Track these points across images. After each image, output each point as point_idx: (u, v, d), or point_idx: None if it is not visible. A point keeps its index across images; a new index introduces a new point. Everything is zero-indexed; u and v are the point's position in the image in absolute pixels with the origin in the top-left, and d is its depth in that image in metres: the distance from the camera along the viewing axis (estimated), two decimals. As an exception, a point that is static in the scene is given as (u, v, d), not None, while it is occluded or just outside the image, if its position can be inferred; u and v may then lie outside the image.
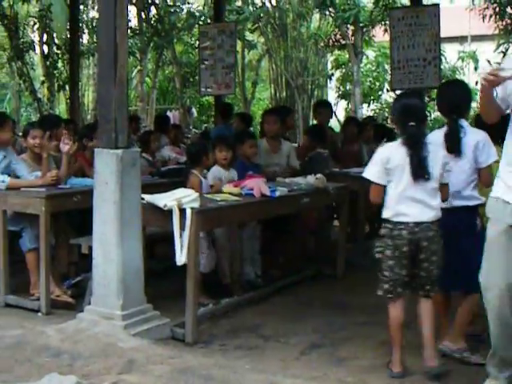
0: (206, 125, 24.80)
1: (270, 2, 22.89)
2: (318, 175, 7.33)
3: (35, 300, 6.56)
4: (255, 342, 5.77)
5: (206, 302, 6.39)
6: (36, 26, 20.47)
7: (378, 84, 24.94)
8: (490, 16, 19.96)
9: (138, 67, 22.95)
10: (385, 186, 4.92)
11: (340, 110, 25.26)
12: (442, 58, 18.48)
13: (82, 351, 5.07)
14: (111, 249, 5.50)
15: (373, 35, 22.06)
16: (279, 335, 5.90)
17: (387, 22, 15.93)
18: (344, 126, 11.08)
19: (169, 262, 7.10)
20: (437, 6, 11.23)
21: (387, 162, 4.88)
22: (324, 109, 10.18)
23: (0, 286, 6.71)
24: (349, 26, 20.67)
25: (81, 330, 5.49)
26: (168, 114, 25.49)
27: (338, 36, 21.66)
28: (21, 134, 9.03)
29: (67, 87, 18.25)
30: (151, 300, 5.83)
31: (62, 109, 24.73)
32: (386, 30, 18.95)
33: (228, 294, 6.77)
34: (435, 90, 9.08)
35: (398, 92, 10.56)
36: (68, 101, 19.78)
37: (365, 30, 21.15)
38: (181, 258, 5.52)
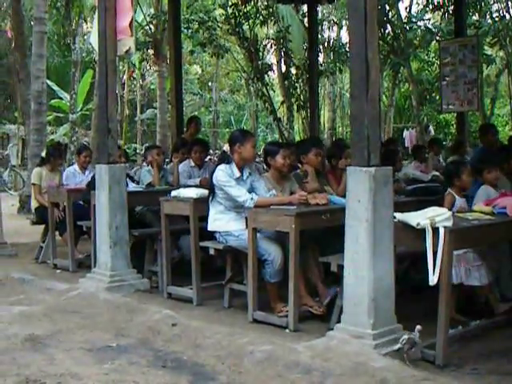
0: (444, 142, 24.35)
1: (509, 14, 22.14)
2: None
3: (283, 317, 6.64)
4: (509, 367, 5.50)
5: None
6: (274, 48, 20.99)
7: None
8: None
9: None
10: None
11: None
12: None
13: (332, 369, 5.08)
14: (363, 267, 5.48)
15: None
16: (535, 361, 5.61)
17: None
18: None
19: (414, 281, 7.02)
20: None
21: None
22: None
23: (248, 303, 6.87)
24: None
25: (331, 347, 5.51)
26: (404, 132, 25.40)
27: None
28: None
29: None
30: (399, 319, 5.74)
31: (297, 128, 25.21)
32: None
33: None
34: None
35: None
36: (303, 120, 20.18)
37: None
38: (433, 278, 5.37)
